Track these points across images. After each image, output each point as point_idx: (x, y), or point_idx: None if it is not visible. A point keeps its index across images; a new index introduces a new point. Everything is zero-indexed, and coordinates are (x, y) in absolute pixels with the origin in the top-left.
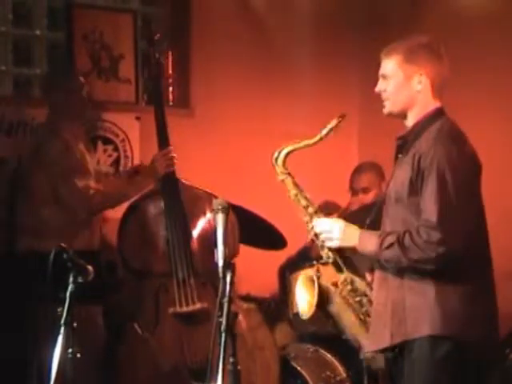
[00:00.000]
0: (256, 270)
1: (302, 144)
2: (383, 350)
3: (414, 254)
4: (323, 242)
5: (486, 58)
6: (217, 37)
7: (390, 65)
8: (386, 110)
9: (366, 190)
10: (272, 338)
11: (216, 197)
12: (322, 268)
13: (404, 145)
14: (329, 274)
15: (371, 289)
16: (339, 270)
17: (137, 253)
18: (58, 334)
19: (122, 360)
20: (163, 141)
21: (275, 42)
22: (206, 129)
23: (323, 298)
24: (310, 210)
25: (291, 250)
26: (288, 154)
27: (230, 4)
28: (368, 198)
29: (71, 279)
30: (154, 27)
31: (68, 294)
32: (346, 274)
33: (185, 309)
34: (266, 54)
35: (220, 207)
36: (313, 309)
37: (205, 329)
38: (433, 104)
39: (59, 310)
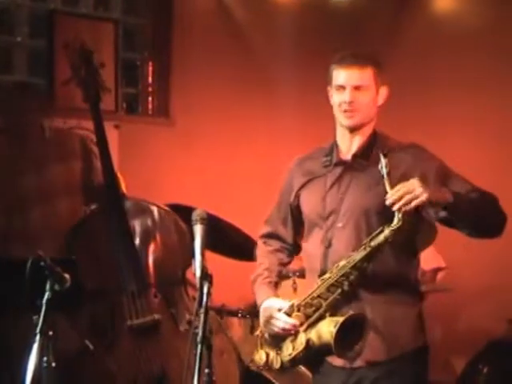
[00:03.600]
0: (232, 281)
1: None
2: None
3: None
4: (407, 204)
5: (465, 72)
6: (198, 47)
7: (365, 76)
8: (352, 123)
9: None
10: (231, 343)
11: (165, 208)
12: (297, 280)
13: (354, 163)
14: (305, 286)
15: None
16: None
17: (88, 270)
18: (33, 342)
19: (77, 375)
20: (106, 159)
21: (256, 53)
22: (185, 138)
23: None
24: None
25: None
26: None
27: (212, 15)
28: None
29: (48, 287)
30: (89, 47)
31: (44, 302)
32: None
33: (136, 321)
34: (246, 65)
35: (198, 218)
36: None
37: (158, 340)
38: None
39: (35, 318)
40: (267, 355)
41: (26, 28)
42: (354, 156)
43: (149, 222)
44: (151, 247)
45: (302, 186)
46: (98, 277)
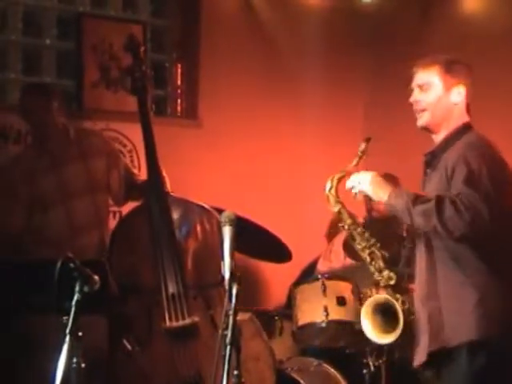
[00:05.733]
0: (260, 282)
1: (346, 170)
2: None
3: (449, 213)
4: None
5: (492, 75)
6: (225, 49)
7: (429, 75)
8: (421, 122)
9: None
10: (268, 348)
11: (207, 208)
12: (326, 282)
13: (432, 160)
14: (334, 288)
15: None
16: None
17: (127, 268)
18: (63, 343)
19: (112, 375)
20: (151, 155)
21: (283, 54)
22: (213, 140)
23: None
24: (366, 234)
25: (296, 263)
26: (339, 182)
27: (240, 17)
28: (382, 205)
29: (77, 288)
30: (138, 38)
31: (74, 304)
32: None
33: (175, 324)
34: (274, 66)
35: (227, 219)
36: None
37: (196, 343)
38: (464, 118)
39: (65, 318)
40: None
41: (54, 30)
42: (426, 155)
43: (191, 222)
44: (193, 247)
45: None
46: (138, 276)
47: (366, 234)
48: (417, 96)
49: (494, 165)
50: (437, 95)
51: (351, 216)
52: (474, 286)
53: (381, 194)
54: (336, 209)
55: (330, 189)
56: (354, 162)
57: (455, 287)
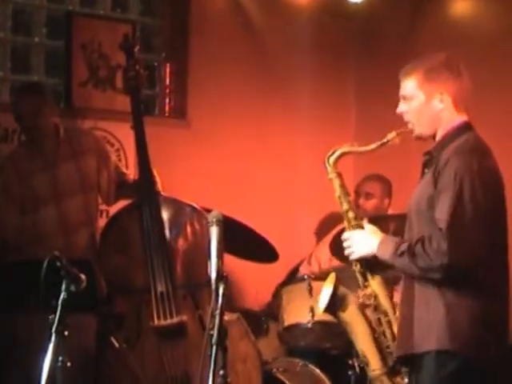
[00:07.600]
0: (247, 282)
1: (357, 149)
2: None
3: (421, 262)
4: (348, 254)
5: (481, 77)
6: (214, 49)
7: (409, 85)
8: (415, 134)
9: (367, 196)
10: (255, 349)
11: (198, 209)
12: (312, 283)
13: (430, 159)
14: (320, 289)
15: (394, 311)
16: (365, 280)
17: (117, 267)
18: (49, 342)
19: (101, 374)
20: (143, 154)
21: (273, 55)
22: (202, 140)
23: (336, 302)
24: (350, 214)
25: (283, 263)
26: (342, 155)
27: (229, 17)
28: (368, 204)
29: (64, 287)
30: (132, 38)
31: (60, 302)
32: (371, 288)
33: (163, 322)
34: (263, 67)
35: (215, 220)
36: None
37: (184, 342)
38: (458, 118)
39: (51, 317)
40: None
41: (43, 29)
42: (425, 155)
43: (181, 222)
44: (183, 247)
45: None
46: (127, 274)
47: (350, 214)
48: (401, 107)
49: (478, 177)
50: (419, 105)
51: (342, 189)
52: (444, 298)
53: (369, 250)
54: (330, 176)
55: (329, 158)
56: (372, 146)
57: (427, 296)
